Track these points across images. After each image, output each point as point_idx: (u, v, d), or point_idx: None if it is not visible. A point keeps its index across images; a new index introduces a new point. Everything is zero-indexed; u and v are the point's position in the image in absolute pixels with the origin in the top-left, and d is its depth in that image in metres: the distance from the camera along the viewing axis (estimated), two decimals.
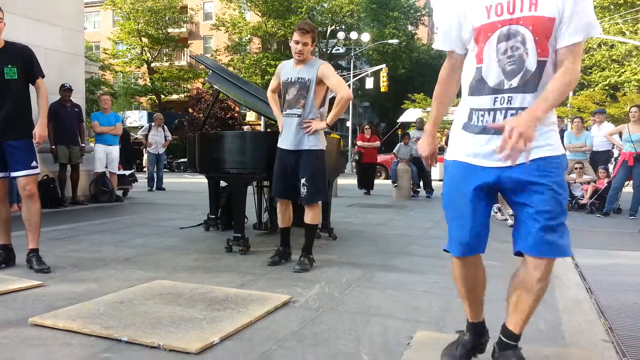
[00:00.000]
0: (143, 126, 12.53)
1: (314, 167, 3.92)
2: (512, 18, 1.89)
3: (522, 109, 1.88)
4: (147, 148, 11.72)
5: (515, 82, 1.92)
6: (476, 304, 2.18)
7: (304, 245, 4.03)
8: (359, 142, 11.74)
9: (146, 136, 11.70)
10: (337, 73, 4.15)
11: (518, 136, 1.68)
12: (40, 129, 3.79)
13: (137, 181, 10.70)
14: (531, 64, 1.89)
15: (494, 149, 1.89)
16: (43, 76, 3.91)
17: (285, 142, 3.97)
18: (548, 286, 1.99)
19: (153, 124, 11.84)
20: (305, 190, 3.90)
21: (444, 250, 2.10)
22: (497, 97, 1.95)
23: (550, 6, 1.84)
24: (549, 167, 1.90)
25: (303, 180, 3.90)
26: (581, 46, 1.88)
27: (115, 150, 9.00)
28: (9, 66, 3.68)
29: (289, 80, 3.94)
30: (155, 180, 11.67)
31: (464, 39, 2.05)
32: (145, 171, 13.29)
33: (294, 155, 3.94)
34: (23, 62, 3.76)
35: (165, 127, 12.08)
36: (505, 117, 1.92)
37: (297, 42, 3.82)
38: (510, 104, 1.92)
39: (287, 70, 4.00)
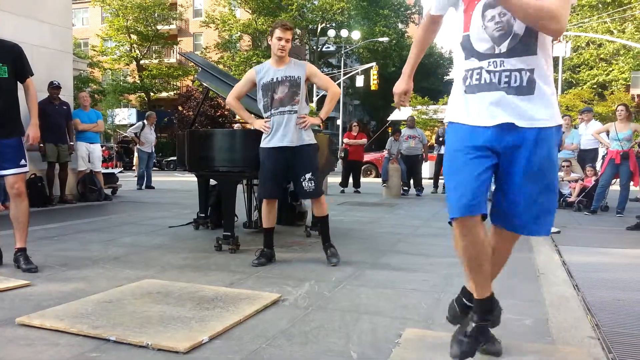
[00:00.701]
0: (134, 124, 12.41)
1: (316, 161, 4.06)
2: None
3: (516, 70, 1.95)
4: (139, 146, 11.64)
5: (504, 47, 1.96)
6: (481, 276, 2.11)
7: (324, 238, 4.12)
8: (346, 140, 11.78)
9: (137, 134, 11.62)
10: (328, 71, 4.21)
11: None
12: (33, 131, 3.78)
13: (118, 180, 10.56)
14: (519, 27, 1.93)
15: (492, 100, 1.98)
16: (32, 74, 3.88)
17: (280, 140, 3.95)
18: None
19: (146, 122, 11.75)
20: (313, 185, 3.96)
21: (449, 223, 2.07)
22: (490, 61, 1.99)
23: None
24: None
25: (308, 175, 3.94)
26: None
27: (97, 149, 8.85)
28: None
29: (275, 80, 3.96)
30: (145, 178, 11.61)
31: (451, 3, 2.12)
32: (134, 169, 13.21)
33: (292, 152, 3.95)
34: (13, 60, 3.72)
35: (154, 125, 12.02)
36: (499, 78, 1.97)
37: (279, 39, 3.90)
38: (503, 66, 1.97)
39: (267, 71, 4.02)
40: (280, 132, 3.95)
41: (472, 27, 2.02)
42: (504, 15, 1.94)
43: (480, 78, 2.02)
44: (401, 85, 2.34)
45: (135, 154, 12.55)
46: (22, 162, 3.75)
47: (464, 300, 2.30)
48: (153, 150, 11.69)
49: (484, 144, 2.02)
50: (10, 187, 3.73)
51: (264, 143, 4.03)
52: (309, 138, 4.01)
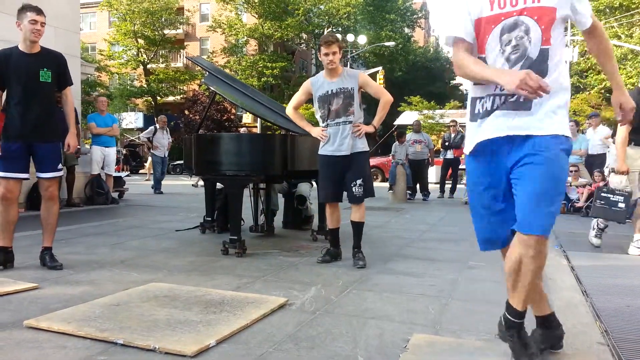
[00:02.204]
0: (141, 128, 12.41)
1: (368, 168, 4.28)
2: (516, 10, 1.97)
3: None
4: (153, 151, 11.67)
5: (517, 68, 1.98)
6: (529, 292, 2.06)
7: (356, 242, 4.31)
8: None
9: (150, 139, 11.65)
10: None
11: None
12: (72, 139, 3.98)
13: (125, 184, 10.61)
14: (533, 52, 1.98)
15: (502, 119, 2.04)
16: (72, 84, 4.09)
17: (337, 148, 4.17)
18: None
19: (157, 126, 11.78)
20: (362, 190, 4.16)
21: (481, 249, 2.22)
22: (498, 85, 2.00)
23: None
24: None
25: (359, 181, 4.15)
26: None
27: (112, 152, 8.97)
28: (45, 69, 3.84)
29: (330, 93, 4.16)
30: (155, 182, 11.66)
31: (470, 29, 2.12)
32: (144, 173, 13.21)
33: (346, 159, 4.16)
34: (57, 67, 3.93)
35: (167, 129, 12.03)
36: (504, 101, 2.02)
37: (326, 54, 4.08)
38: None
39: (322, 84, 4.22)
40: (337, 141, 4.16)
41: (488, 49, 2.06)
42: (520, 39, 1.98)
43: (487, 103, 2.08)
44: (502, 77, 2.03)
45: (149, 159, 12.56)
46: (60, 166, 3.96)
47: (507, 315, 2.17)
48: (166, 155, 11.68)
49: (495, 172, 2.11)
50: (44, 189, 3.90)
51: (322, 150, 4.26)
52: (362, 146, 4.21)
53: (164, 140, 11.60)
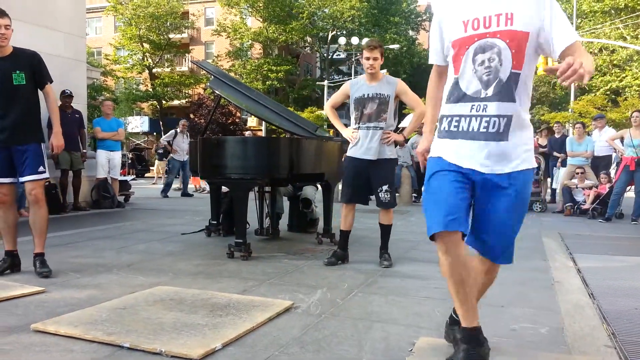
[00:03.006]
0: (169, 132, 12.34)
1: (393, 175, 4.35)
2: (489, 32, 2.02)
3: (496, 116, 2.03)
4: (172, 155, 11.72)
5: (490, 91, 2.04)
6: (466, 301, 2.11)
7: (383, 244, 4.39)
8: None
9: (170, 142, 11.69)
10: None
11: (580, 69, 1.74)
12: (56, 139, 3.88)
13: (130, 187, 10.64)
14: (504, 74, 2.02)
15: (470, 147, 2.09)
16: (51, 81, 3.95)
17: (364, 152, 4.22)
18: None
19: (178, 130, 11.81)
20: (389, 196, 4.22)
21: (430, 238, 2.12)
22: (473, 105, 2.07)
23: (525, 21, 1.98)
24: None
25: (385, 187, 4.21)
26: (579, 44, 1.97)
27: (117, 156, 9.01)
28: (17, 72, 3.73)
29: (366, 96, 4.22)
30: (182, 186, 11.84)
31: (444, 50, 2.21)
32: (151, 177, 13.23)
33: (373, 164, 4.22)
34: (32, 67, 3.81)
35: (187, 133, 12.04)
36: (480, 124, 2.06)
37: (367, 59, 4.14)
38: (485, 111, 2.05)
39: (360, 87, 4.28)
40: (365, 145, 4.21)
41: (462, 69, 2.10)
42: (492, 61, 2.02)
43: (459, 125, 2.11)
44: (424, 144, 2.41)
45: (156, 162, 12.57)
46: (41, 168, 3.81)
47: (454, 315, 2.37)
48: (185, 159, 11.69)
49: (463, 173, 2.11)
50: (28, 193, 3.78)
51: (349, 152, 4.33)
52: (391, 153, 4.26)
53: (183, 145, 11.58)
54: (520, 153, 2.08)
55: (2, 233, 3.85)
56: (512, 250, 2.21)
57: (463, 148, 2.10)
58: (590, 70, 1.77)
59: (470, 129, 2.07)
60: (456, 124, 2.12)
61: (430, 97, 2.40)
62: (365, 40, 4.33)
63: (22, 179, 3.77)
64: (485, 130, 2.05)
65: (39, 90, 3.90)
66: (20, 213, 6.60)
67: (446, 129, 2.16)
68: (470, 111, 2.07)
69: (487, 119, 2.04)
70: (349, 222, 4.40)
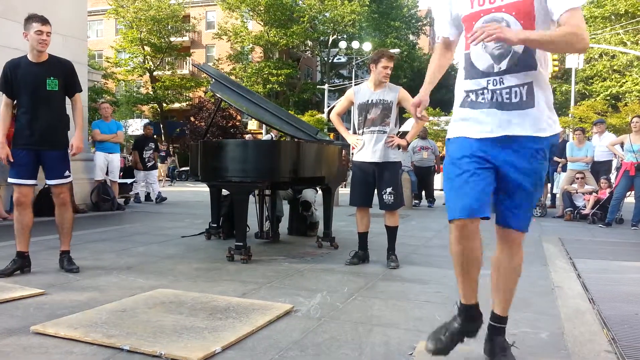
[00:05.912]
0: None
1: (398, 177, 4.45)
2: (494, 7, 2.02)
3: (515, 86, 2.03)
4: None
5: (504, 64, 2.04)
6: (469, 282, 2.17)
7: (390, 246, 4.51)
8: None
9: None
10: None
11: (496, 28, 1.85)
12: (77, 141, 4.00)
13: (131, 190, 10.63)
14: (519, 47, 2.00)
15: (491, 117, 2.07)
16: (81, 90, 4.14)
17: (370, 155, 4.36)
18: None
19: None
20: (392, 198, 4.37)
21: (449, 221, 2.11)
22: (489, 80, 2.08)
23: None
24: None
25: (390, 190, 4.36)
26: (580, 13, 1.92)
27: (116, 159, 8.99)
28: (52, 78, 3.88)
29: (370, 102, 4.36)
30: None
31: (456, 26, 2.24)
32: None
33: (378, 167, 4.36)
34: (65, 75, 3.98)
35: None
36: (501, 95, 2.05)
37: (385, 67, 4.28)
38: (503, 84, 2.05)
39: (364, 93, 4.42)
40: (371, 148, 4.35)
41: (471, 45, 2.10)
42: None
43: (477, 97, 2.11)
44: (419, 95, 2.39)
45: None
46: (67, 173, 4.00)
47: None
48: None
49: (484, 156, 2.10)
50: (55, 196, 3.98)
51: (356, 157, 4.47)
52: (395, 156, 4.39)
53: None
54: (545, 119, 2.06)
55: (16, 234, 3.92)
56: (530, 217, 2.19)
57: (485, 117, 2.09)
58: (511, 36, 1.84)
59: (494, 100, 2.07)
60: (474, 97, 2.12)
61: (432, 60, 2.40)
62: (382, 50, 4.44)
63: (49, 182, 3.95)
64: (508, 101, 2.05)
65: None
66: (6, 216, 6.69)
67: (468, 100, 2.15)
68: (487, 85, 2.08)
69: (507, 90, 2.04)
70: (365, 224, 4.54)
